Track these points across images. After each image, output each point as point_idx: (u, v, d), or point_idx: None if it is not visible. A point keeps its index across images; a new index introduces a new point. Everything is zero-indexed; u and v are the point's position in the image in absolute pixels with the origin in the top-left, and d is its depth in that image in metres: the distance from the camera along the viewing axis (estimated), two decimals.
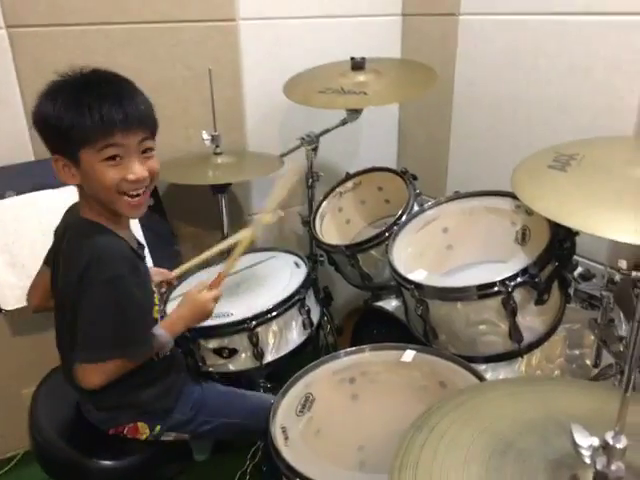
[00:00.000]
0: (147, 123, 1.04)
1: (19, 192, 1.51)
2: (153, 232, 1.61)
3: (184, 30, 1.70)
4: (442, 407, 0.76)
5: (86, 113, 0.96)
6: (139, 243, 1.23)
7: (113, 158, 1.00)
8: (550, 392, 0.80)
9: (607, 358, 1.21)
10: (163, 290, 1.47)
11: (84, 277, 1.01)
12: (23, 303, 1.43)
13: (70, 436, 1.24)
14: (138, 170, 1.02)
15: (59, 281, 1.12)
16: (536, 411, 0.74)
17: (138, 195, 1.04)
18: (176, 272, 1.46)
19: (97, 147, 0.98)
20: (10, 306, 1.43)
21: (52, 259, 1.17)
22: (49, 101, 0.99)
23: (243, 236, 1.29)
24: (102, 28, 1.58)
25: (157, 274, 1.42)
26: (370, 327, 1.68)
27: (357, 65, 1.61)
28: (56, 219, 1.16)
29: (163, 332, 1.15)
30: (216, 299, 1.22)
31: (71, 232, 1.11)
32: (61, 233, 1.14)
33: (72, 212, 1.14)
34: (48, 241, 1.18)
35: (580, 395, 0.80)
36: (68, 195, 1.15)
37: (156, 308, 1.19)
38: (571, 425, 0.63)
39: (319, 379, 1.22)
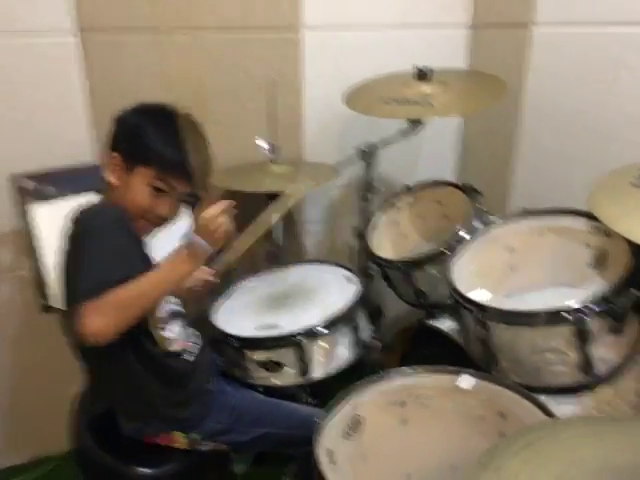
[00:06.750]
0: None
1: (76, 193, 1.52)
2: None
3: (248, 41, 1.70)
4: (511, 444, 0.67)
5: (174, 149, 1.06)
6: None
7: (158, 190, 1.09)
8: (638, 435, 0.70)
9: None
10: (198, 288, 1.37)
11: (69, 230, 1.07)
12: None
13: (108, 442, 1.22)
14: (167, 211, 1.12)
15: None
16: (623, 457, 0.64)
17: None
18: (217, 267, 1.36)
19: (154, 173, 1.07)
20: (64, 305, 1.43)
21: None
22: (148, 117, 1.10)
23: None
24: (170, 35, 1.60)
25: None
26: (422, 347, 1.59)
27: (422, 75, 1.54)
28: None
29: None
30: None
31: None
32: None
33: None
34: None
35: None
36: None
37: None
38: None
39: (367, 400, 1.14)
